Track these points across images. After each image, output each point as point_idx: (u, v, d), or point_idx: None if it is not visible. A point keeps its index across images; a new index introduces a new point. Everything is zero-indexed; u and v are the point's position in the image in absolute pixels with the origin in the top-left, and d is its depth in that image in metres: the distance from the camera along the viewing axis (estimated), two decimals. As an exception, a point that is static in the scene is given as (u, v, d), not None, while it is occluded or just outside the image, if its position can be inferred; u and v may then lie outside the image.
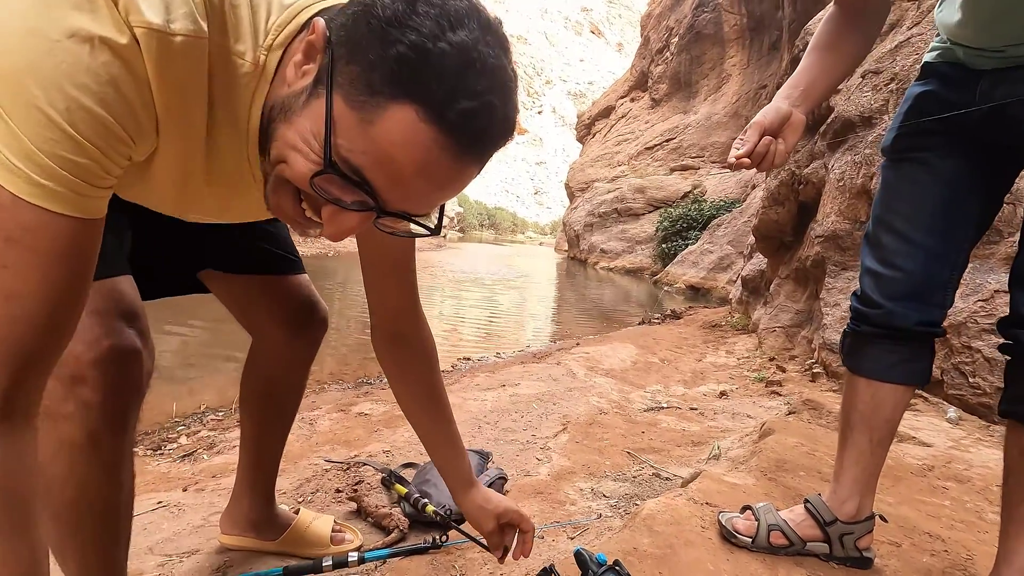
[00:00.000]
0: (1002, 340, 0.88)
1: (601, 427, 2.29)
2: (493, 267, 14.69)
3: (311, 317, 1.11)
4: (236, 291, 1.05)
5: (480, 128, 0.48)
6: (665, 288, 11.06)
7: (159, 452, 2.06)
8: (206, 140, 0.58)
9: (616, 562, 0.91)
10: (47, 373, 0.53)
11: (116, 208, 0.60)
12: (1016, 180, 0.92)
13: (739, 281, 6.01)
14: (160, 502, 1.45)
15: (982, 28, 0.83)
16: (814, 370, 3.23)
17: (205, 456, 1.97)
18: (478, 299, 8.90)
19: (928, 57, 0.96)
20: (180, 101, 0.52)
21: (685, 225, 12.83)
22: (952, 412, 2.16)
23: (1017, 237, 0.86)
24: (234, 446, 2.00)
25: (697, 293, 10.12)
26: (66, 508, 0.72)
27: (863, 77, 3.36)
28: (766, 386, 3.16)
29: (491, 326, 6.63)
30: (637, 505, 1.41)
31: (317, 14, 0.54)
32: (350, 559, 1.16)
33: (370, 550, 1.21)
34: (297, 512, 1.26)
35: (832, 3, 0.94)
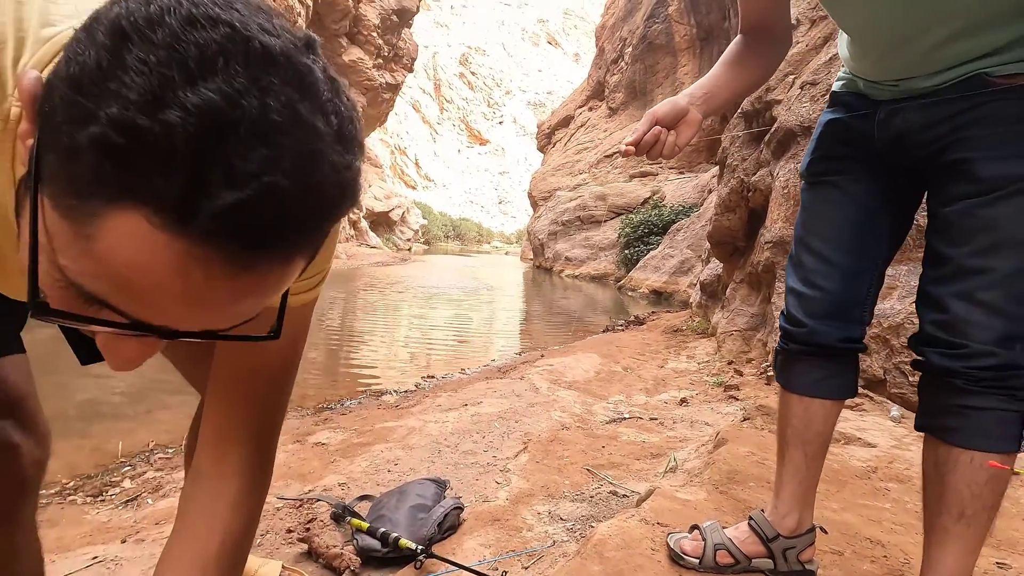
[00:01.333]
0: (914, 356, 0.91)
1: (562, 444, 2.29)
2: (459, 279, 14.64)
3: None
4: (181, 350, 0.89)
5: (259, 225, 0.32)
6: (629, 293, 11.22)
7: (99, 498, 1.96)
8: None
9: (562, 597, 0.90)
10: None
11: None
12: (921, 199, 0.97)
13: (698, 286, 6.14)
14: (95, 557, 1.38)
15: (874, 64, 0.88)
16: (768, 373, 3.31)
17: (149, 500, 1.89)
18: (444, 314, 8.85)
19: (836, 86, 1.00)
20: None
21: (646, 231, 13.07)
22: (895, 411, 2.25)
23: None
24: (180, 488, 1.92)
25: (660, 297, 10.30)
26: None
27: (802, 88, 3.50)
28: (724, 391, 3.23)
29: (457, 342, 6.59)
30: (592, 527, 1.42)
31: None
32: (296, 608, 1.12)
33: (318, 596, 1.18)
34: None
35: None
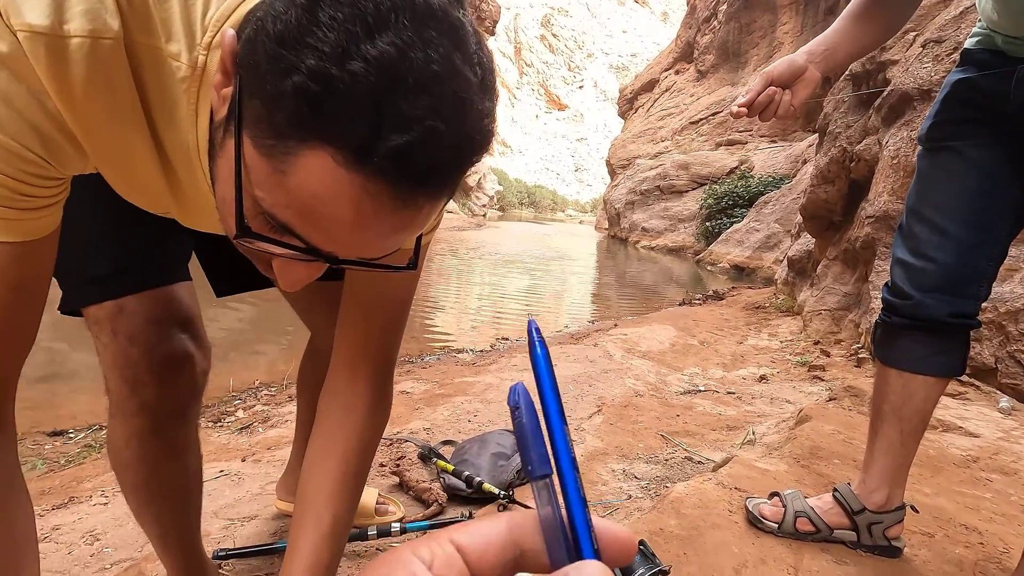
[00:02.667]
0: None
1: (636, 409, 2.32)
2: (533, 247, 14.70)
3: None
4: (303, 296, 1.03)
5: (421, 165, 0.38)
6: (708, 267, 10.83)
7: (219, 424, 2.22)
8: (157, 153, 0.52)
9: (641, 541, 0.95)
10: (8, 384, 0.54)
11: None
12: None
13: (785, 261, 5.84)
14: (222, 471, 1.58)
15: (1017, 17, 0.81)
16: (859, 355, 3.14)
17: (260, 429, 2.12)
18: (518, 280, 8.97)
19: (968, 43, 0.93)
20: (103, 109, 0.46)
21: (730, 202, 12.46)
22: (1005, 402, 2.08)
23: None
24: (286, 420, 2.14)
25: (741, 273, 9.87)
26: (138, 486, 0.81)
27: (924, 47, 3.17)
28: (808, 371, 3.11)
29: (530, 307, 6.68)
30: (667, 488, 1.45)
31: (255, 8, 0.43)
32: (393, 529, 1.25)
33: (411, 521, 1.30)
34: None
35: None
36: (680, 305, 6.40)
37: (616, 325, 4.81)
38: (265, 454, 1.75)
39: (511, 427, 1.87)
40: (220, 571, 1.16)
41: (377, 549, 1.25)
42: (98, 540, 1.25)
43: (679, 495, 1.24)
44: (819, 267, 4.36)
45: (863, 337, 3.31)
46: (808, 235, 5.02)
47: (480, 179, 32.95)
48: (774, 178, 12.29)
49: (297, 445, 1.27)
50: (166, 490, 0.83)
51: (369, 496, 1.35)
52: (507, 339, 4.60)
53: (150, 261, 0.76)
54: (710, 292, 7.12)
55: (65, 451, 1.98)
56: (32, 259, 0.50)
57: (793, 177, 10.99)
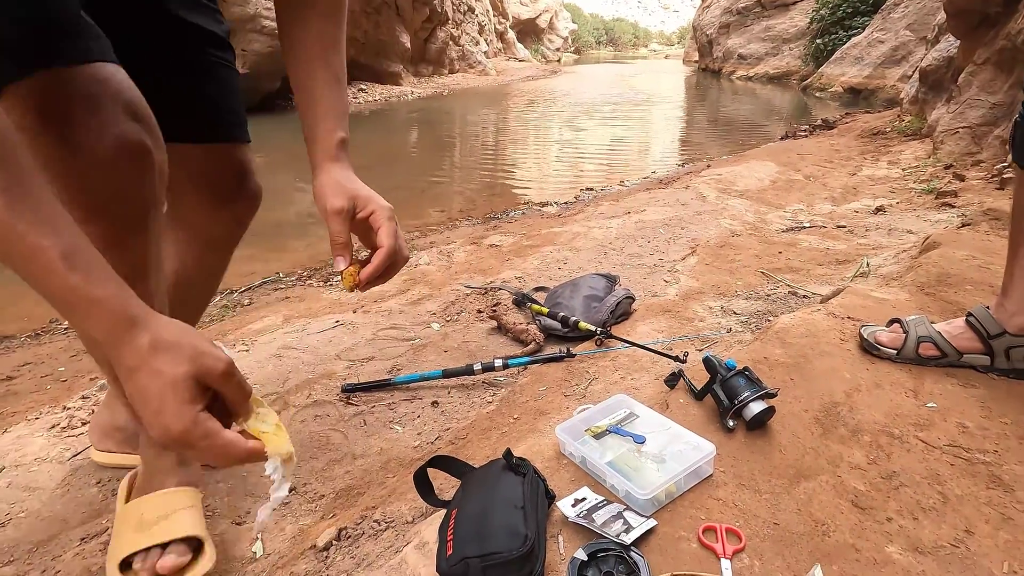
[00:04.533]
0: None
1: (733, 249, 2.21)
2: (613, 89, 13.59)
3: (240, 189, 0.94)
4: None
5: None
6: (816, 94, 9.56)
7: (328, 283, 2.41)
8: None
9: (745, 367, 0.94)
10: None
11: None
12: None
13: (916, 75, 4.99)
14: (337, 321, 1.73)
15: None
16: (1004, 175, 2.73)
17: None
18: (598, 127, 8.45)
19: None
20: None
21: (849, 11, 10.53)
22: None
23: None
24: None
25: (858, 96, 8.64)
26: None
27: None
28: (936, 198, 2.76)
29: (613, 155, 6.35)
30: (769, 321, 1.41)
31: None
32: (496, 364, 1.33)
33: (512, 357, 1.37)
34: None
35: None
36: (782, 139, 5.79)
37: (709, 166, 4.48)
38: (373, 306, 1.89)
39: (602, 272, 1.86)
40: (349, 403, 1.32)
41: (484, 383, 1.35)
42: (247, 378, 1.44)
43: (784, 325, 1.20)
44: (961, 77, 3.67)
45: (1010, 156, 2.85)
46: (951, 38, 4.18)
47: (551, 18, 29.94)
48: (909, -29, 10.07)
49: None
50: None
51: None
52: (591, 189, 4.46)
53: (76, 28, 0.62)
54: (818, 122, 6.34)
55: (207, 311, 2.25)
56: None
57: (936, -34, 8.94)
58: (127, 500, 0.83)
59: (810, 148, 4.79)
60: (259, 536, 0.89)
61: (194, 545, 0.78)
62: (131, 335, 0.48)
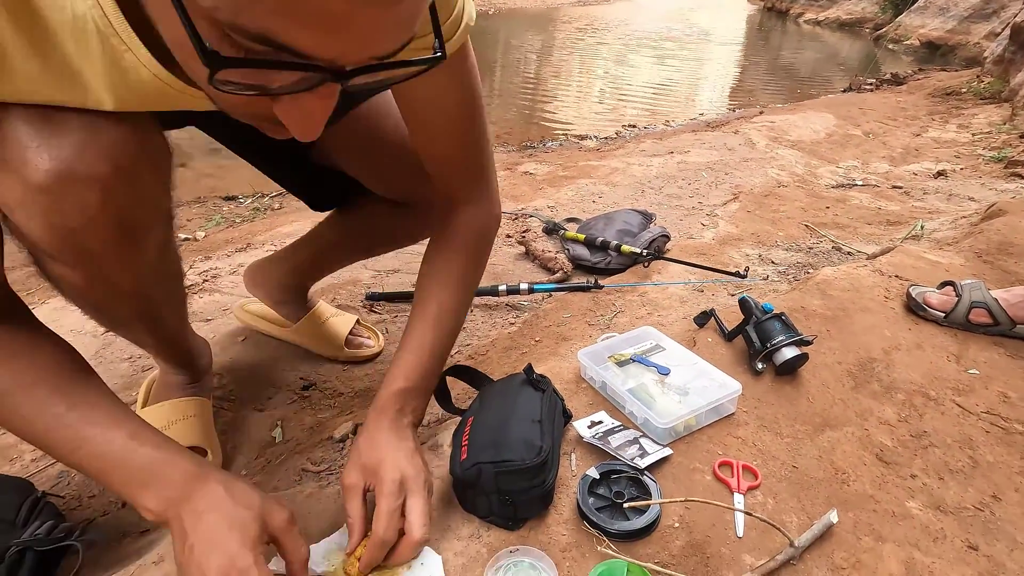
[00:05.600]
0: None
1: (778, 199, 2.11)
2: (669, 23, 12.74)
3: None
4: (354, 144, 0.88)
5: None
6: (890, 46, 8.84)
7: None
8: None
9: (782, 313, 0.90)
10: None
11: None
12: None
13: (1007, 31, 4.55)
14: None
15: None
16: (1088, 149, 2.51)
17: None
18: (647, 62, 8.00)
19: None
20: None
21: (943, -46, 9.50)
22: None
23: None
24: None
25: (935, 53, 7.96)
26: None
27: None
28: (1005, 167, 2.57)
29: (661, 94, 6.03)
30: (809, 273, 1.35)
31: None
32: (522, 288, 1.31)
33: (538, 283, 1.35)
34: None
35: None
36: (844, 92, 5.40)
37: (762, 112, 4.22)
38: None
39: (637, 208, 1.80)
40: (372, 310, 1.32)
41: (507, 305, 1.34)
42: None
43: (826, 277, 1.14)
44: (1060, 35, 3.33)
45: (1099, 127, 2.60)
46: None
47: (611, -61, 27.75)
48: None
49: (293, 246, 1.07)
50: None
51: (344, 324, 1.13)
52: (633, 126, 4.27)
53: None
54: (887, 76, 5.89)
55: (239, 212, 2.26)
56: None
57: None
58: (144, 406, 0.86)
59: (874, 103, 4.47)
60: (279, 423, 0.92)
61: (200, 454, 0.80)
62: (203, 484, 0.52)
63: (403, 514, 0.57)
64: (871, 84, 5.56)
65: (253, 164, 0.87)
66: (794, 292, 1.12)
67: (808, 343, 0.86)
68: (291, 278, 1.07)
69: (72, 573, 0.58)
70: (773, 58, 8.94)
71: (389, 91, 0.77)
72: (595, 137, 3.82)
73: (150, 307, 0.69)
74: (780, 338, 0.85)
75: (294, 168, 0.89)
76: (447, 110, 0.65)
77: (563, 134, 4.01)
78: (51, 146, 0.46)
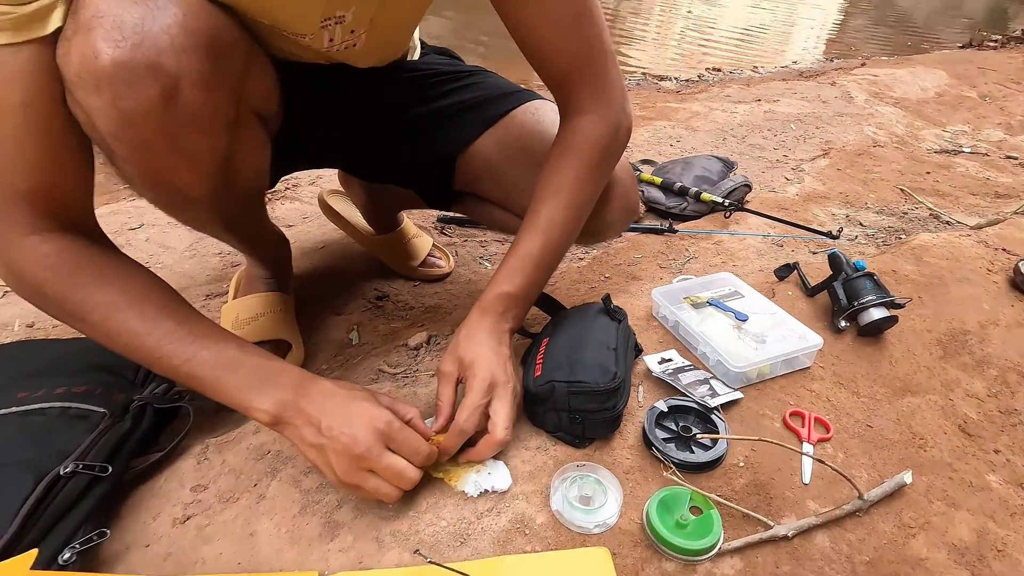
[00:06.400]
0: None
1: (872, 159, 1.96)
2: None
3: None
4: None
5: None
6: (1024, -1, 7.78)
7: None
8: None
9: (873, 272, 0.86)
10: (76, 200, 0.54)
11: None
12: None
13: None
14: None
15: None
16: None
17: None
18: (738, 2, 7.37)
19: None
20: None
21: None
22: None
23: None
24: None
25: (1078, 9, 6.96)
26: None
27: None
28: None
29: (750, 36, 5.58)
30: (900, 239, 1.27)
31: None
32: (593, 224, 1.29)
33: (610, 222, 1.32)
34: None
35: None
36: (964, 48, 4.84)
37: (864, 64, 3.85)
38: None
39: (717, 154, 1.71)
40: (443, 232, 1.34)
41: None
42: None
43: (923, 243, 1.07)
44: None
45: None
46: None
47: None
48: None
49: None
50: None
51: (424, 245, 1.16)
52: (718, 70, 4.00)
53: None
54: (1016, 32, 5.23)
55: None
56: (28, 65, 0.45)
57: None
58: (234, 297, 0.91)
59: (996, 63, 4.00)
60: (356, 327, 0.97)
61: (284, 348, 0.85)
62: (314, 382, 0.57)
63: (487, 415, 0.60)
64: (995, 41, 4.96)
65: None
66: (885, 255, 1.06)
67: (900, 306, 0.82)
68: (387, 198, 1.07)
69: (183, 432, 0.65)
70: (884, 3, 8.06)
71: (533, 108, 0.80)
72: (675, 79, 3.61)
73: (222, 212, 0.69)
74: (870, 297, 0.81)
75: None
76: (551, 10, 0.62)
77: (642, 73, 3.81)
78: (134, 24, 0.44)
